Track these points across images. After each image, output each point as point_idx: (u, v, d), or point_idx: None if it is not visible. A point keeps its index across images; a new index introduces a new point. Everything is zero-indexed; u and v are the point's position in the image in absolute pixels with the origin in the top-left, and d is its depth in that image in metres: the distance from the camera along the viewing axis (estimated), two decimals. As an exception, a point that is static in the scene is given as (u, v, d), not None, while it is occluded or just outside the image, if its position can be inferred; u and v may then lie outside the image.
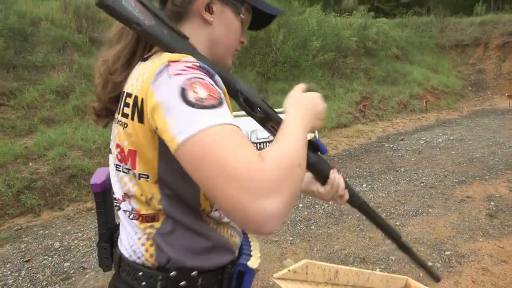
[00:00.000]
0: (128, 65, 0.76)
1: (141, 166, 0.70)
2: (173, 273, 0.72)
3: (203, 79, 0.63)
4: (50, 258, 3.33)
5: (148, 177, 0.70)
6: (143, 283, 0.74)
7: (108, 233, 0.89)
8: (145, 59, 0.74)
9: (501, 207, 4.12)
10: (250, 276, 0.81)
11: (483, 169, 5.58)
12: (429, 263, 3.04)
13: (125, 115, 0.70)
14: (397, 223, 3.83)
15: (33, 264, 3.22)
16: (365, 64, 12.05)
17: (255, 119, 0.79)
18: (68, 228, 3.93)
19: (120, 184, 0.77)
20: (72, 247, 3.53)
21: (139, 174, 0.71)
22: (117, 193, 0.80)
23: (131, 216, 0.76)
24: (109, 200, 0.91)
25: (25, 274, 3.07)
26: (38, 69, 6.69)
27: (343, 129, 8.86)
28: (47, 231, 3.88)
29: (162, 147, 0.66)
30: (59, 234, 3.81)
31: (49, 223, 4.10)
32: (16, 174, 4.50)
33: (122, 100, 0.73)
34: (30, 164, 4.82)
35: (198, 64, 0.66)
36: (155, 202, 0.72)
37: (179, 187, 0.71)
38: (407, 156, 6.66)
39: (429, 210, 4.15)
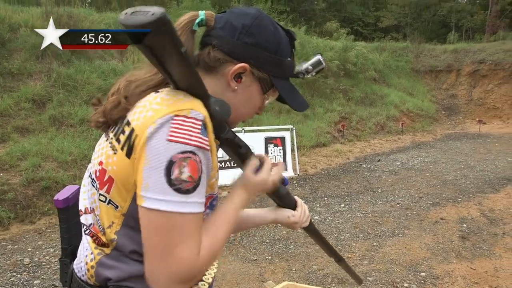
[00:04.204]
0: (145, 93, 0.73)
1: (114, 195, 0.70)
2: None
3: (195, 155, 0.64)
4: (18, 275, 3.17)
5: (117, 207, 0.70)
6: None
7: (70, 248, 0.89)
8: (157, 90, 0.72)
9: (473, 229, 4.26)
10: None
11: (456, 191, 5.76)
12: (405, 284, 3.10)
13: (118, 141, 0.69)
14: (374, 244, 3.88)
15: (-1, 281, 3.07)
16: (345, 85, 12.36)
17: (240, 157, 0.86)
18: (39, 243, 3.77)
19: (89, 198, 0.77)
20: (43, 263, 3.38)
21: (110, 200, 0.71)
22: (81, 204, 0.81)
23: (86, 231, 0.77)
24: (73, 216, 0.91)
25: (-9, 292, 2.92)
26: (14, 76, 6.50)
27: (322, 148, 8.99)
28: (16, 246, 3.71)
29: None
30: (30, 249, 3.65)
31: (19, 237, 3.93)
32: (-15, 185, 4.31)
33: (122, 123, 0.71)
34: (1, 174, 4.63)
35: (200, 125, 0.65)
36: (112, 231, 0.71)
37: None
38: (383, 177, 6.80)
39: (405, 231, 4.24)
